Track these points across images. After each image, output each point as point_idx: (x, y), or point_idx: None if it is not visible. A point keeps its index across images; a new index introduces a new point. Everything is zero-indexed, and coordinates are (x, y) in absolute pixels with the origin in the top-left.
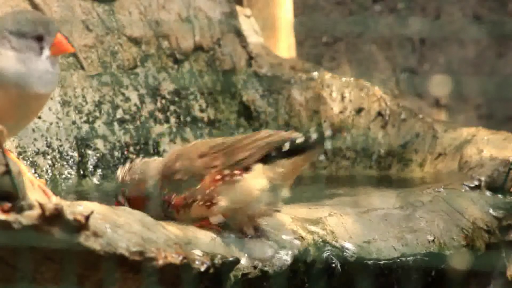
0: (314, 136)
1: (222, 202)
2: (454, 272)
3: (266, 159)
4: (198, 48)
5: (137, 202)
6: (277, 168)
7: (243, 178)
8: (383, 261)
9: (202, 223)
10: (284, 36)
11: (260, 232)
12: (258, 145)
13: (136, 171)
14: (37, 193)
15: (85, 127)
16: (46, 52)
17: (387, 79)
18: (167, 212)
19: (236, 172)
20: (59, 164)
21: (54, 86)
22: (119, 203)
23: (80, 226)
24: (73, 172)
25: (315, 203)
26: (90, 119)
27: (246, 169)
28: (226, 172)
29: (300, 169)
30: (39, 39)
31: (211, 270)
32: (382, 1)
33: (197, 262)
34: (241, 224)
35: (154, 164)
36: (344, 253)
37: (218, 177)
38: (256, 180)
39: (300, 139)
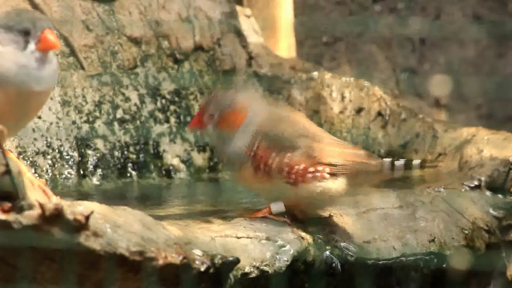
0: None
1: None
2: (454, 272)
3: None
4: (198, 48)
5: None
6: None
7: (327, 182)
8: (383, 261)
9: (264, 211)
10: (284, 36)
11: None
12: (354, 163)
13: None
14: (37, 193)
15: (85, 127)
16: (31, 47)
17: (387, 79)
18: (240, 158)
19: (326, 174)
20: (59, 164)
21: (47, 83)
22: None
23: (80, 226)
24: (73, 172)
25: None
26: (90, 119)
27: (332, 174)
28: (317, 168)
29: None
30: (26, 33)
31: (211, 270)
32: (382, 1)
33: (197, 262)
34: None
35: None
36: (344, 253)
37: (311, 169)
38: (334, 187)
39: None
